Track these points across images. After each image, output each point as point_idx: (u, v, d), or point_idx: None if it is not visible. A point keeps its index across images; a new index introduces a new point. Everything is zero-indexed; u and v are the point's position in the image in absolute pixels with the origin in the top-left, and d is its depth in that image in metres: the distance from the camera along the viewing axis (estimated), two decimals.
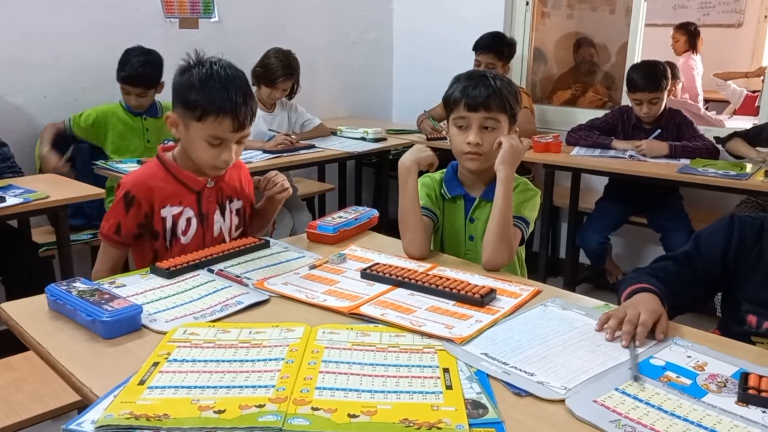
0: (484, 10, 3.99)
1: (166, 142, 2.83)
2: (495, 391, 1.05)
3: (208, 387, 1.04)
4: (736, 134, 3.01)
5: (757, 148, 2.92)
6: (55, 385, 1.68)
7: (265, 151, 3.10)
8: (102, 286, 1.38)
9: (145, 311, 1.30)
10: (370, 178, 4.37)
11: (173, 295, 1.42)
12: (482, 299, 1.36)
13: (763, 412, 0.99)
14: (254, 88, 3.33)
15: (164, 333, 1.24)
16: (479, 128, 1.67)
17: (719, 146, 3.04)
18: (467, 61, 3.54)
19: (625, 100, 3.37)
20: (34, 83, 3.03)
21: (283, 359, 1.13)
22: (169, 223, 1.69)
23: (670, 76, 3.12)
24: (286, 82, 3.26)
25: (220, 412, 0.96)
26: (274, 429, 0.92)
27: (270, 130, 3.34)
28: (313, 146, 3.28)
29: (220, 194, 1.76)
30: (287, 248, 1.74)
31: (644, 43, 3.66)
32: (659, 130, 3.12)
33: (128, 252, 1.75)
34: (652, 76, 3.05)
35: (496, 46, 3.51)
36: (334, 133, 3.64)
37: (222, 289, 1.45)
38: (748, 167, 2.80)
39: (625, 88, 3.27)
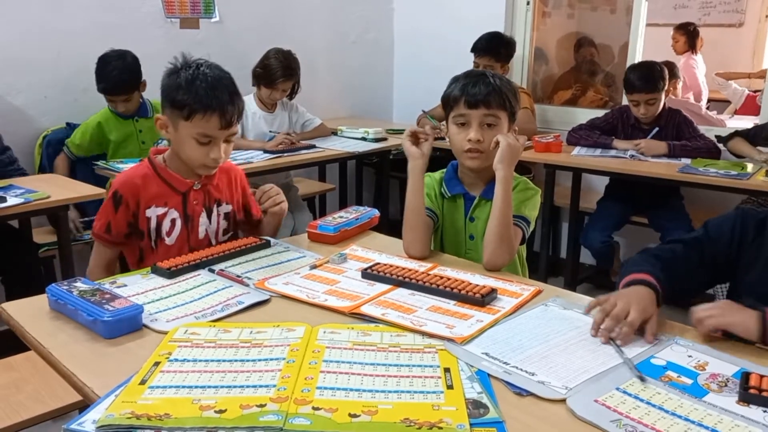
0: (484, 9, 3.99)
1: (160, 141, 2.85)
2: (496, 391, 1.05)
3: (209, 387, 1.04)
4: (737, 133, 3.01)
5: (759, 148, 2.92)
6: (55, 385, 1.69)
7: (266, 151, 3.10)
8: (103, 285, 1.38)
9: (146, 311, 1.30)
10: (371, 178, 4.37)
11: (174, 294, 1.42)
12: (483, 299, 1.36)
13: (765, 411, 0.99)
14: (254, 89, 3.34)
15: (165, 333, 1.24)
16: (479, 125, 1.67)
17: (720, 146, 3.04)
18: (467, 61, 3.54)
19: (626, 100, 3.37)
20: (34, 83, 3.03)
21: (284, 359, 1.13)
22: (153, 224, 1.70)
23: (667, 76, 3.11)
24: (285, 82, 3.26)
25: (221, 411, 0.96)
26: (275, 429, 0.92)
27: (270, 131, 3.34)
28: (313, 146, 3.28)
29: (208, 197, 1.76)
30: (288, 248, 1.74)
31: (645, 43, 3.66)
32: (657, 129, 3.12)
33: (121, 251, 1.77)
34: (648, 77, 3.05)
35: (493, 48, 3.52)
36: (334, 133, 3.65)
37: (223, 288, 1.45)
38: (749, 167, 2.80)
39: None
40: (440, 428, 0.93)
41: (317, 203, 4.02)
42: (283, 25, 3.90)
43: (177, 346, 1.18)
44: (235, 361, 1.13)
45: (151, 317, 1.30)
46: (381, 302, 1.38)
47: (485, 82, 1.67)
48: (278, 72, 3.21)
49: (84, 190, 2.47)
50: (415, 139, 1.68)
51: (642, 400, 1.02)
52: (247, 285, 1.48)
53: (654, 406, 1.00)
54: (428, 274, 1.50)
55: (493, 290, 1.40)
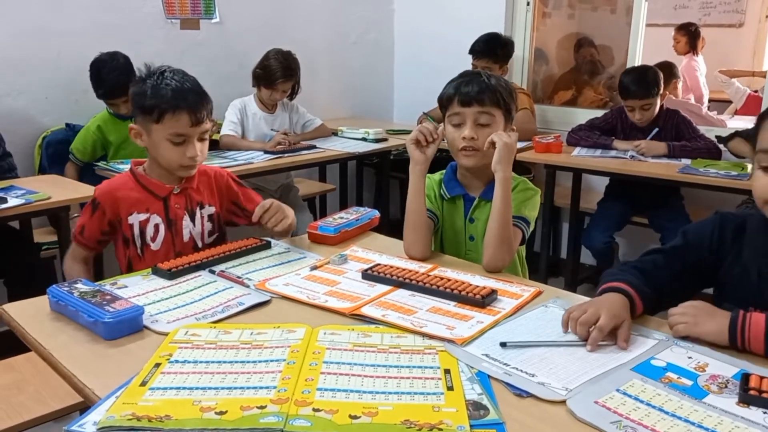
0: (484, 10, 3.99)
1: None
2: (496, 392, 1.05)
3: (210, 388, 1.04)
4: (738, 134, 3.01)
5: None
6: (56, 386, 1.69)
7: (266, 152, 3.10)
8: (104, 287, 1.38)
9: (146, 312, 1.30)
10: (371, 179, 4.37)
11: (175, 296, 1.42)
12: (483, 300, 1.36)
13: (764, 413, 0.99)
14: (254, 90, 3.34)
15: (166, 334, 1.24)
16: (474, 123, 1.68)
17: (721, 146, 3.04)
18: (468, 62, 3.54)
19: None
20: (34, 84, 3.04)
21: (284, 360, 1.13)
22: (136, 230, 1.73)
23: (662, 81, 3.10)
24: (285, 83, 3.26)
25: (221, 413, 0.96)
26: (276, 430, 0.93)
27: (272, 129, 3.35)
28: (314, 147, 3.29)
29: (189, 200, 1.78)
30: (288, 249, 1.74)
31: (645, 44, 3.66)
32: (656, 130, 3.13)
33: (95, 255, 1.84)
34: (642, 82, 3.05)
35: (490, 50, 3.53)
36: (335, 133, 3.65)
37: (223, 290, 1.46)
38: (749, 167, 2.80)
39: None
40: (440, 429, 0.93)
41: (317, 204, 4.02)
42: (284, 25, 3.90)
43: (178, 348, 1.18)
44: (236, 362, 1.13)
45: (151, 318, 1.30)
46: (381, 303, 1.38)
47: (478, 81, 1.68)
48: (278, 72, 3.21)
49: (85, 191, 2.47)
50: (420, 142, 1.66)
51: (642, 402, 1.02)
52: (248, 286, 1.48)
53: (654, 407, 1.00)
54: (428, 275, 1.50)
55: (494, 291, 1.40)
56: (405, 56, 4.54)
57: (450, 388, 1.05)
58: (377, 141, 3.49)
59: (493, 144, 1.62)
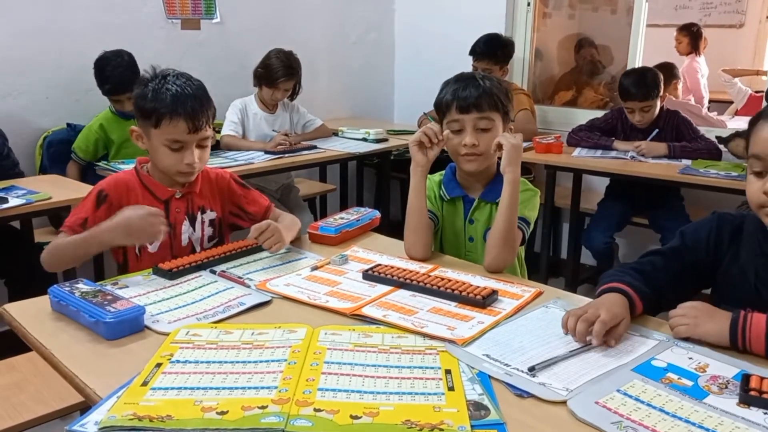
0: (485, 10, 3.99)
1: None
2: (497, 393, 1.05)
3: (211, 388, 1.04)
4: (738, 134, 3.01)
5: None
6: (57, 386, 1.69)
7: (266, 152, 3.10)
8: (105, 287, 1.38)
9: (147, 312, 1.30)
10: (372, 179, 4.37)
11: (176, 296, 1.42)
12: (484, 300, 1.37)
13: (765, 413, 0.99)
14: (256, 89, 3.35)
15: (167, 334, 1.24)
16: (474, 129, 1.68)
17: (721, 146, 3.04)
18: (468, 62, 3.55)
19: None
20: (35, 84, 3.04)
21: (285, 360, 1.13)
22: None
23: (662, 82, 3.10)
24: (287, 82, 3.26)
25: (222, 413, 0.97)
26: (277, 430, 0.93)
27: (273, 130, 3.35)
28: (314, 147, 3.29)
29: (190, 205, 1.76)
30: (289, 249, 1.74)
31: (646, 44, 3.66)
32: (657, 131, 3.13)
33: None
34: (642, 84, 3.06)
35: (490, 51, 3.53)
36: (335, 133, 3.65)
37: (224, 290, 1.46)
38: None
39: None
40: (441, 430, 0.93)
41: (318, 204, 4.02)
42: (284, 25, 3.90)
43: (179, 348, 1.18)
44: (237, 362, 1.13)
45: (152, 318, 1.30)
46: (382, 304, 1.38)
47: (475, 85, 1.67)
48: (279, 72, 3.21)
49: (85, 190, 2.46)
50: (423, 144, 1.65)
51: (643, 402, 1.02)
52: (249, 286, 1.48)
53: (655, 408, 1.01)
54: (429, 276, 1.50)
55: (494, 292, 1.41)
56: (405, 56, 4.55)
57: (451, 389, 1.05)
58: (378, 141, 3.49)
59: (499, 146, 1.62)
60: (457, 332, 1.25)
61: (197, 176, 1.75)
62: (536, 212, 1.76)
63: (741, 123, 4.32)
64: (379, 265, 1.57)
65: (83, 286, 1.36)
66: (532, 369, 1.11)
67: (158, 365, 1.11)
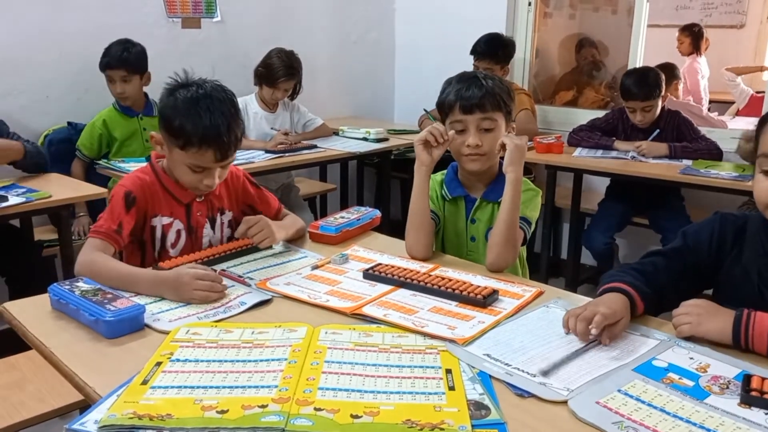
0: (486, 10, 3.99)
1: None
2: (497, 392, 1.05)
3: (211, 387, 1.04)
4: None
5: None
6: (57, 385, 1.69)
7: (267, 151, 3.10)
8: (105, 285, 1.38)
9: (148, 311, 1.30)
10: (372, 179, 4.37)
11: None
12: (485, 300, 1.36)
13: (766, 414, 0.99)
14: (256, 88, 3.34)
15: (167, 333, 1.24)
16: (477, 130, 1.67)
17: (721, 147, 3.03)
18: (468, 62, 3.54)
19: None
20: (36, 83, 3.04)
21: (285, 359, 1.13)
22: (158, 233, 1.66)
23: (663, 82, 3.10)
24: (287, 82, 3.26)
25: (223, 412, 0.96)
26: (277, 429, 0.92)
27: (272, 128, 3.35)
28: (315, 146, 3.28)
29: (211, 207, 1.73)
30: (289, 248, 1.74)
31: (647, 44, 3.66)
32: (657, 131, 3.13)
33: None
34: (643, 84, 3.05)
35: (492, 51, 3.53)
36: (336, 133, 3.64)
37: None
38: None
39: None
40: (442, 429, 0.93)
41: (318, 203, 4.02)
42: (285, 25, 3.90)
43: (179, 346, 1.18)
44: (237, 361, 1.13)
45: (153, 317, 1.30)
46: (382, 303, 1.38)
47: (478, 85, 1.67)
48: (280, 71, 3.21)
49: (86, 189, 2.47)
50: (428, 143, 1.64)
51: (644, 402, 1.02)
52: (249, 285, 1.48)
53: (655, 408, 1.00)
54: (430, 275, 1.50)
55: (495, 291, 1.40)
56: (406, 56, 4.54)
57: (451, 388, 1.05)
58: (378, 141, 3.49)
59: (503, 146, 1.62)
60: (457, 332, 1.24)
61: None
62: (538, 212, 1.76)
63: (742, 124, 4.33)
64: (380, 264, 1.57)
65: (83, 285, 1.35)
66: (545, 373, 1.09)
67: (158, 364, 1.11)
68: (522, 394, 1.05)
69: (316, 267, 1.59)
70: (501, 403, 1.02)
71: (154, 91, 3.01)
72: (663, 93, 3.12)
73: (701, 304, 1.24)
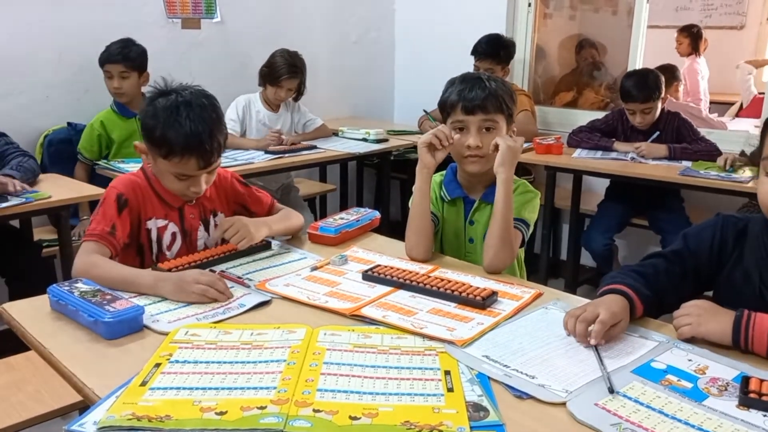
0: (486, 10, 3.99)
1: None
2: (496, 394, 1.05)
3: (210, 388, 1.04)
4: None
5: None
6: (55, 386, 1.69)
7: (266, 152, 3.10)
8: (104, 286, 1.38)
9: (147, 312, 1.30)
10: (372, 179, 4.37)
11: None
12: (483, 301, 1.36)
13: (764, 416, 0.99)
14: (260, 88, 3.35)
15: (166, 334, 1.24)
16: (478, 131, 1.67)
17: (722, 147, 3.03)
18: (469, 62, 3.54)
19: None
20: (35, 83, 3.03)
21: (284, 361, 1.13)
22: (154, 235, 1.65)
23: (663, 84, 3.10)
24: (290, 81, 3.27)
25: (221, 413, 0.96)
26: (276, 430, 0.93)
27: (273, 129, 3.35)
28: (314, 147, 3.29)
29: (203, 210, 1.73)
30: (289, 249, 1.74)
31: (647, 45, 3.66)
32: (657, 132, 3.13)
33: None
34: (643, 86, 3.05)
35: (493, 51, 3.53)
36: (335, 133, 3.65)
37: None
38: (748, 171, 2.78)
39: None
40: (440, 431, 0.93)
41: (318, 204, 4.02)
42: (284, 25, 3.90)
43: (178, 348, 1.18)
44: (236, 362, 1.13)
45: (152, 318, 1.30)
46: (381, 304, 1.38)
47: (481, 87, 1.67)
48: (283, 69, 3.23)
49: (85, 190, 2.47)
50: (433, 146, 1.64)
51: (642, 404, 1.02)
52: (248, 286, 1.48)
53: (654, 409, 1.00)
54: (429, 277, 1.50)
55: (494, 293, 1.40)
56: (406, 56, 4.54)
57: (450, 390, 1.05)
58: (378, 141, 3.49)
59: (496, 147, 1.62)
60: (456, 333, 1.25)
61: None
62: (536, 214, 1.76)
63: (742, 125, 4.33)
64: (379, 265, 1.57)
65: (82, 286, 1.35)
66: (612, 391, 1.06)
67: (157, 365, 1.11)
68: (521, 395, 1.05)
69: (315, 268, 1.59)
70: (500, 405, 1.02)
71: None
72: (663, 95, 3.12)
73: (701, 304, 1.24)
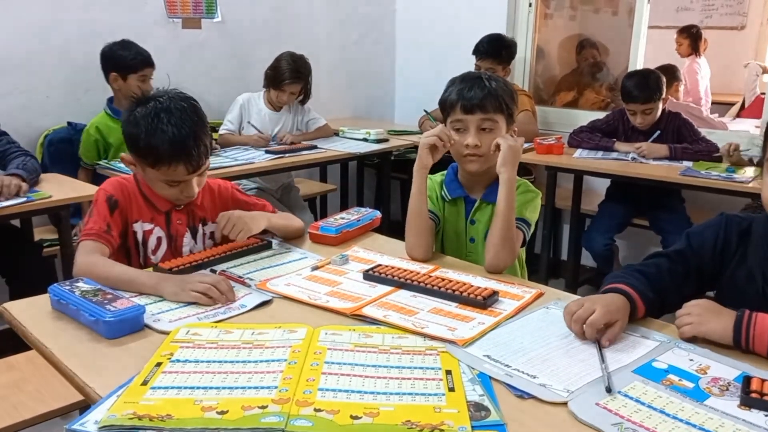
0: (486, 11, 3.99)
1: None
2: (497, 394, 1.05)
3: (211, 388, 1.04)
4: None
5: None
6: (56, 385, 1.68)
7: (267, 152, 3.10)
8: (105, 286, 1.38)
9: (148, 311, 1.30)
10: (372, 179, 4.37)
11: None
12: (485, 301, 1.36)
13: (766, 415, 0.99)
14: (263, 90, 3.35)
15: (167, 333, 1.24)
16: (477, 130, 1.67)
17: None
18: (469, 62, 3.54)
19: None
20: (36, 83, 3.03)
21: (285, 360, 1.13)
22: (140, 237, 1.65)
23: (664, 85, 3.10)
24: (292, 85, 3.27)
25: (223, 412, 0.96)
26: (277, 430, 0.92)
27: (274, 129, 3.35)
28: (315, 147, 3.29)
29: (192, 217, 1.72)
30: (289, 249, 1.74)
31: (647, 46, 3.66)
32: (658, 132, 3.13)
33: None
34: (644, 87, 3.05)
35: (494, 51, 3.53)
36: (336, 133, 3.65)
37: None
38: (749, 171, 2.79)
39: None
40: (442, 430, 0.93)
41: (318, 204, 4.02)
42: (285, 25, 3.90)
43: (179, 347, 1.18)
44: (237, 362, 1.13)
45: (153, 317, 1.30)
46: (382, 304, 1.38)
47: (481, 86, 1.67)
48: (286, 74, 3.23)
49: (85, 189, 2.47)
50: (435, 147, 1.64)
51: (643, 404, 1.02)
52: (249, 286, 1.48)
53: (655, 409, 1.00)
54: (430, 276, 1.50)
55: (495, 293, 1.40)
56: (406, 56, 4.54)
57: (451, 389, 1.05)
58: (378, 141, 3.49)
59: (498, 147, 1.62)
60: (457, 333, 1.24)
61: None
62: (537, 214, 1.76)
63: (743, 125, 4.33)
64: (380, 265, 1.57)
65: (83, 285, 1.35)
66: (609, 390, 1.06)
67: (158, 364, 1.11)
68: (522, 395, 1.05)
69: (316, 268, 1.59)
70: (501, 405, 1.02)
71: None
72: (663, 95, 3.12)
73: (703, 304, 1.24)
